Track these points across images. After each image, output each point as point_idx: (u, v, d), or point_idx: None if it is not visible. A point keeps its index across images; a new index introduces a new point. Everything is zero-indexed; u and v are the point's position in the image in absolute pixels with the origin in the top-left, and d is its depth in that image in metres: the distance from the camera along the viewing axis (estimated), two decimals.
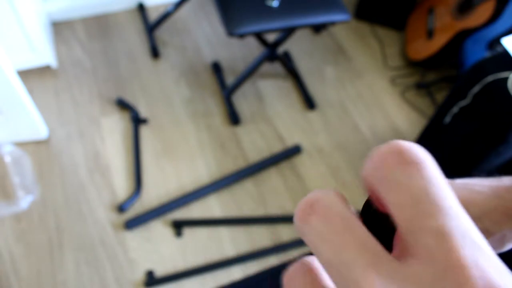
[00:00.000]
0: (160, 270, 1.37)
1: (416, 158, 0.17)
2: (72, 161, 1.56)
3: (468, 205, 0.40)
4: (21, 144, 1.56)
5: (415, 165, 0.17)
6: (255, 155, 1.64)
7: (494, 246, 0.41)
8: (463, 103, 1.17)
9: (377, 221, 0.20)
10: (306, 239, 0.18)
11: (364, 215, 0.21)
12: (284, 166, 1.63)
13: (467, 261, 0.15)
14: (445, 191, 0.17)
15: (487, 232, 0.40)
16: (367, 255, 0.16)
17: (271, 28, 1.47)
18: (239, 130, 1.71)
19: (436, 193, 0.16)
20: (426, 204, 0.16)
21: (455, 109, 1.20)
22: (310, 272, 0.19)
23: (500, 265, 0.15)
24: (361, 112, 1.82)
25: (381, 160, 0.18)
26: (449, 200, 0.16)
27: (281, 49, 1.93)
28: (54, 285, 1.32)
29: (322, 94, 1.86)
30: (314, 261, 0.20)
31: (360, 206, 0.22)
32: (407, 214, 0.16)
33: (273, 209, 1.52)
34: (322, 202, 0.18)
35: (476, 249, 0.15)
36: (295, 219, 0.19)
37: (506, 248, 0.42)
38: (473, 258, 0.15)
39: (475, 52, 1.67)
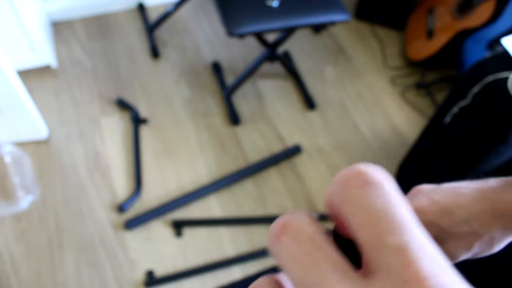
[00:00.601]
0: (160, 270, 1.37)
1: (375, 179, 0.18)
2: (72, 161, 1.56)
3: (455, 208, 0.41)
4: (21, 144, 1.56)
5: (374, 185, 0.18)
6: (255, 155, 1.64)
7: (483, 248, 0.41)
8: (463, 103, 1.17)
9: (346, 243, 0.21)
10: (277, 259, 0.19)
11: (335, 237, 0.22)
12: (284, 166, 1.63)
13: (424, 274, 0.16)
14: (403, 209, 0.18)
15: (475, 235, 0.40)
16: (335, 274, 0.17)
17: (271, 28, 1.47)
18: (239, 130, 1.71)
19: (394, 211, 0.17)
20: (385, 222, 0.17)
21: (455, 109, 1.20)
22: (275, 285, 0.20)
23: (455, 277, 0.16)
24: (361, 112, 1.82)
25: (342, 182, 0.19)
26: (406, 217, 0.17)
27: (281, 49, 1.93)
28: (54, 285, 1.32)
29: (322, 94, 1.86)
30: (280, 276, 0.21)
31: None
32: (368, 233, 0.17)
33: (273, 209, 1.52)
34: (293, 223, 0.19)
35: (433, 262, 0.16)
36: (268, 241, 0.20)
37: (495, 250, 0.42)
38: (430, 270, 0.16)
39: (475, 52, 1.67)
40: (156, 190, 1.53)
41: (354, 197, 0.18)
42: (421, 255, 0.16)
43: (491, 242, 0.41)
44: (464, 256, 0.41)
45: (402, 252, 0.16)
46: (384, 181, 0.18)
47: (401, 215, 0.17)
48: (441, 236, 0.41)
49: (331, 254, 0.18)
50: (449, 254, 0.41)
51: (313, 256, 0.18)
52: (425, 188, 0.44)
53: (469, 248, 0.41)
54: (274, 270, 0.62)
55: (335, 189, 0.19)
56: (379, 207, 0.17)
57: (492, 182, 0.42)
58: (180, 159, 1.61)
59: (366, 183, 0.18)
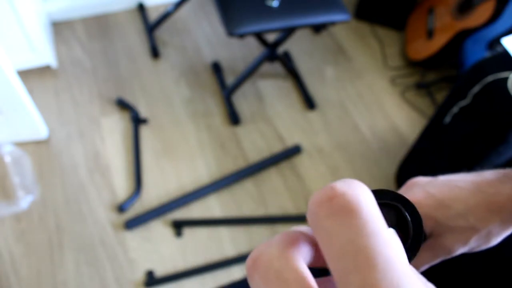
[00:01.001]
0: (160, 270, 1.37)
1: (350, 204, 0.17)
2: (72, 161, 1.56)
3: (451, 201, 0.40)
4: (21, 144, 1.56)
5: (347, 213, 0.17)
6: (255, 155, 1.64)
7: (480, 242, 0.41)
8: (463, 103, 1.17)
9: None
10: None
11: None
12: (284, 166, 1.63)
13: None
14: (376, 239, 0.16)
15: (472, 229, 0.39)
16: None
17: (271, 28, 1.47)
18: (239, 130, 1.71)
19: (365, 243, 0.16)
20: (353, 257, 0.16)
21: (455, 109, 1.20)
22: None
23: None
24: (361, 112, 1.82)
25: (313, 210, 0.18)
26: (379, 248, 0.16)
27: (281, 49, 1.93)
28: (54, 285, 1.32)
29: (322, 94, 1.86)
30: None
31: None
32: (336, 268, 0.16)
33: (273, 209, 1.52)
34: (262, 258, 0.18)
35: None
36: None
37: (492, 243, 0.41)
38: None
39: (475, 52, 1.67)
40: (156, 190, 1.53)
41: (324, 228, 0.17)
42: None
43: (488, 236, 0.40)
44: (461, 250, 0.41)
45: None
46: (357, 206, 0.17)
47: (374, 248, 0.16)
48: (438, 229, 0.41)
49: None
50: (446, 248, 0.41)
51: None
52: (421, 180, 0.44)
53: (466, 242, 0.40)
54: None
55: (308, 215, 0.18)
56: (348, 240, 0.16)
57: (488, 175, 0.42)
58: (180, 159, 1.61)
59: (338, 211, 0.17)
